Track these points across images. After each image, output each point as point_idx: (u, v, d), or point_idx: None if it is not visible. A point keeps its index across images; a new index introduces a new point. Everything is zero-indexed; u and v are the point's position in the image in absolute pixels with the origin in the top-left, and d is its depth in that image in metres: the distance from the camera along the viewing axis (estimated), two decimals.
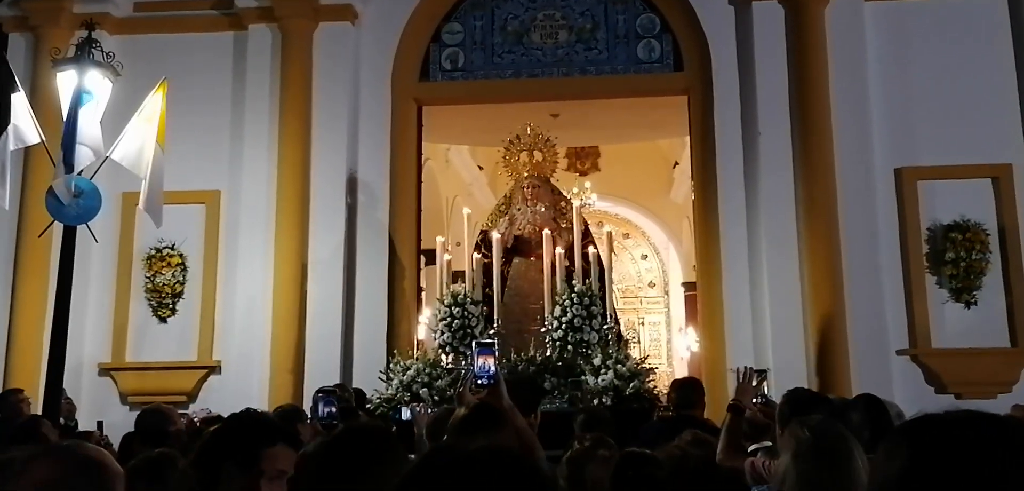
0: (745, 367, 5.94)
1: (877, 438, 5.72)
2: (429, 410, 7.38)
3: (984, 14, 12.42)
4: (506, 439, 4.17)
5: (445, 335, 10.87)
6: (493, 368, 4.95)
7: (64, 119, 9.18)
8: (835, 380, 11.14)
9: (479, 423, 4.20)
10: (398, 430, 9.00)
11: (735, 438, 5.28)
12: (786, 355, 11.57)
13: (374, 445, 3.52)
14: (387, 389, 10.70)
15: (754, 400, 5.74)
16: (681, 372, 22.00)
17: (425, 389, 10.27)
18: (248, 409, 4.68)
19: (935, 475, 1.62)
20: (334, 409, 6.04)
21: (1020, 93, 12.17)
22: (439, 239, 12.21)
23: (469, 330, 10.71)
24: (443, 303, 11.02)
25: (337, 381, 11.25)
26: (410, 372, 10.58)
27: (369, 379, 11.33)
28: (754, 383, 5.72)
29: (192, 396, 12.18)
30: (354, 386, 10.86)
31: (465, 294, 11.03)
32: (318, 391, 6.58)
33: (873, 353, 11.47)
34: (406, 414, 8.03)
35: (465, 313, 10.84)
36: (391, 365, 11.05)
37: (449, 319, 10.87)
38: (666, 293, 25.77)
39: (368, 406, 10.35)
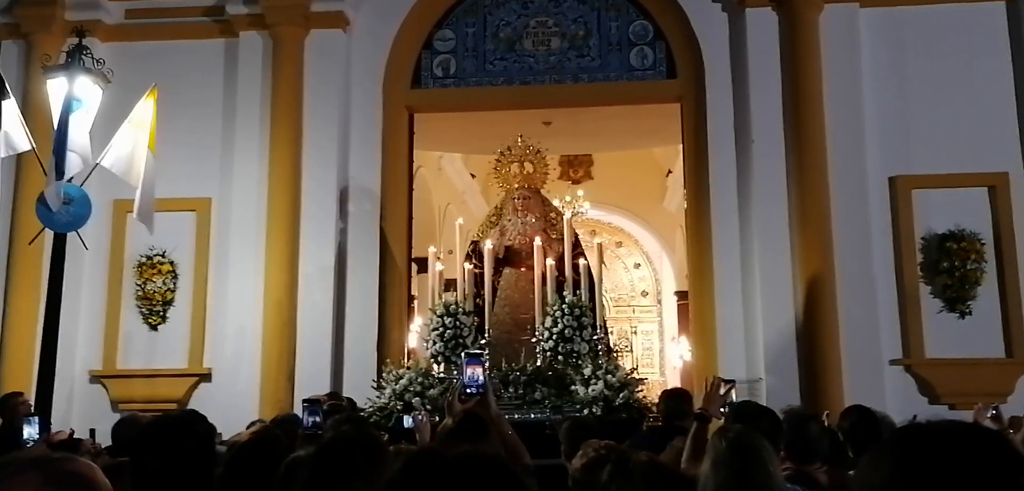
0: (713, 377, 5.93)
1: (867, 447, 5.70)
2: (431, 419, 7.32)
3: (981, 22, 12.39)
4: (491, 447, 4.20)
5: (437, 345, 10.84)
6: (482, 378, 5.06)
7: (54, 126, 9.17)
8: (827, 390, 11.12)
9: (466, 433, 4.25)
10: (399, 438, 8.97)
11: (700, 447, 5.25)
12: (778, 365, 11.55)
13: (361, 454, 3.54)
14: (379, 398, 10.66)
15: (722, 409, 5.71)
16: (674, 381, 22.00)
17: (417, 398, 10.23)
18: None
19: (917, 486, 1.62)
20: (318, 419, 6.02)
21: (1017, 101, 12.15)
22: (432, 249, 12.17)
23: (461, 340, 10.69)
24: (435, 313, 10.99)
25: (328, 389, 11.25)
26: (403, 381, 10.54)
27: (359, 387, 11.26)
28: (721, 392, 5.69)
29: (182, 404, 12.08)
30: (344, 395, 10.82)
31: (457, 304, 11.00)
32: (304, 401, 6.56)
33: (866, 363, 11.43)
34: (408, 422, 8.00)
35: (457, 323, 10.81)
36: (384, 374, 11.00)
37: (441, 329, 10.84)
38: (659, 302, 25.77)
39: (360, 414, 10.30)
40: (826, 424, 8.17)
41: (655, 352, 25.49)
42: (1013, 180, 12.01)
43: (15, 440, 5.86)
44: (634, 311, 25.92)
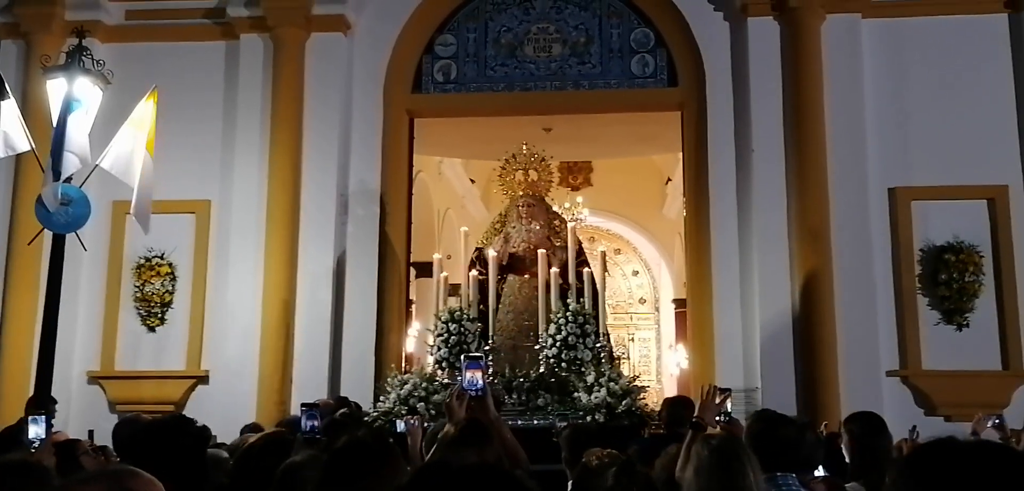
0: (709, 385, 5.93)
1: (872, 456, 5.69)
2: (425, 423, 7.34)
3: (983, 34, 12.39)
4: (493, 453, 4.25)
5: (442, 350, 10.86)
6: (481, 381, 5.11)
7: (53, 127, 9.16)
8: (824, 400, 11.12)
9: (469, 440, 4.28)
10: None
11: None
12: (775, 374, 11.54)
13: (372, 458, 3.57)
14: (383, 402, 10.67)
15: (717, 417, 5.71)
16: (670, 389, 22.00)
17: (422, 403, 10.25)
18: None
19: None
20: (317, 423, 6.03)
21: (1018, 114, 12.15)
22: (437, 255, 12.18)
23: (466, 346, 10.71)
24: (440, 319, 11.01)
25: (326, 392, 11.24)
26: (407, 386, 10.56)
27: (356, 390, 11.28)
28: (717, 401, 5.69)
29: (180, 406, 12.09)
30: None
31: (461, 310, 11.02)
32: (302, 405, 6.56)
33: (863, 373, 11.41)
34: (401, 426, 8.02)
35: (461, 329, 10.83)
36: (388, 379, 11.01)
37: (446, 335, 10.86)
38: (657, 310, 25.78)
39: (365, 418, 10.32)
40: (825, 434, 8.17)
41: (652, 360, 25.50)
42: (1012, 193, 12.02)
43: (17, 440, 5.85)
44: (632, 318, 25.93)
